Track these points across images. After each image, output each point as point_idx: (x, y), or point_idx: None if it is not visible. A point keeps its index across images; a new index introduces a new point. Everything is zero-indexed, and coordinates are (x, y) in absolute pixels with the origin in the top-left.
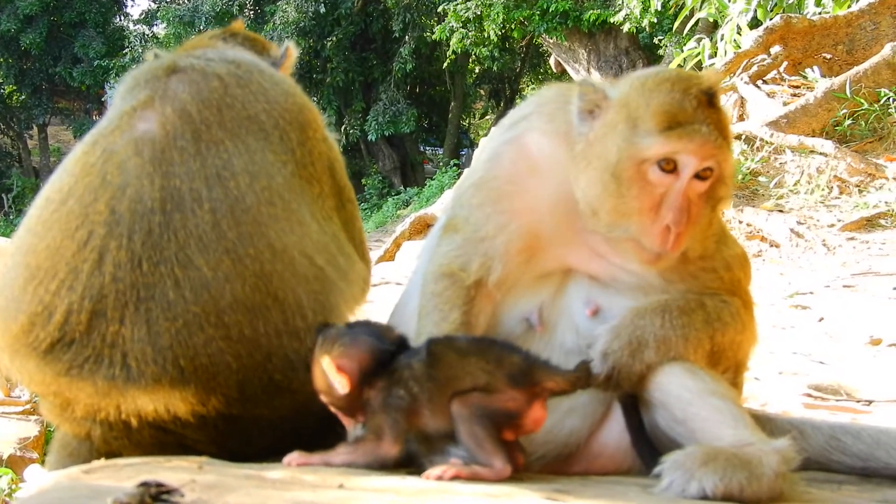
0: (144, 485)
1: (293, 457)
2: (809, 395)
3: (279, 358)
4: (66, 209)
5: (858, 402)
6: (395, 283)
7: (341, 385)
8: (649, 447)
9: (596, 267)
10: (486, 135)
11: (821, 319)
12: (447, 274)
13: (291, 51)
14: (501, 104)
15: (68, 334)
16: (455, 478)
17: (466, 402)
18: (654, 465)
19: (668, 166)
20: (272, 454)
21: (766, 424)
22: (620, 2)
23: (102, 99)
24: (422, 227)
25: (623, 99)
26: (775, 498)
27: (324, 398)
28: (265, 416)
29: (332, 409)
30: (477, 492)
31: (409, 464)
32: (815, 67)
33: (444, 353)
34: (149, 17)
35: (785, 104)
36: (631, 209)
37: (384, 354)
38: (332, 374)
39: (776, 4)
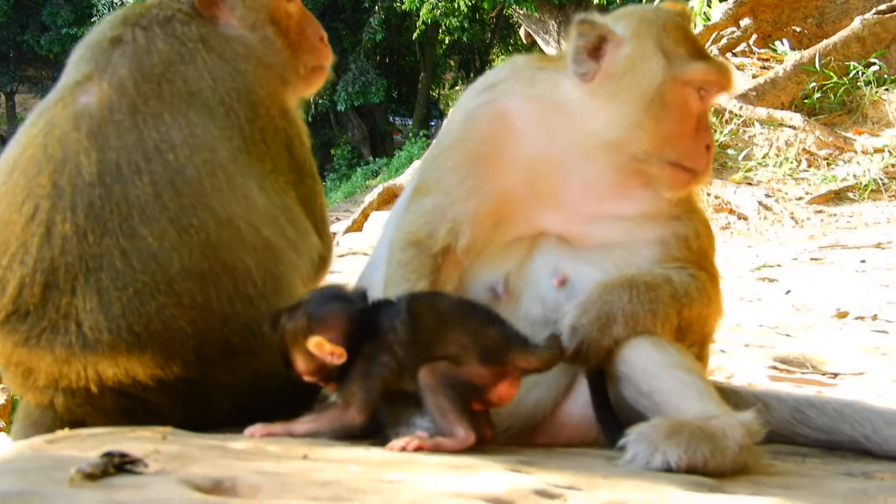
0: (108, 455)
1: (255, 428)
2: (775, 368)
3: (236, 322)
4: (13, 182)
5: (824, 374)
6: (363, 254)
7: (338, 356)
8: (613, 421)
9: (571, 226)
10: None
11: (788, 292)
12: (414, 242)
13: None
14: (471, 75)
15: (23, 306)
16: (418, 449)
17: (433, 372)
18: (618, 438)
19: (703, 90)
20: (236, 420)
21: (732, 397)
22: None
23: None
24: (390, 198)
25: (638, 30)
26: (739, 471)
27: (312, 378)
28: (225, 380)
29: (320, 383)
30: (441, 463)
31: (373, 435)
32: (785, 40)
33: (424, 314)
34: None
35: (754, 77)
36: (674, 132)
37: (361, 314)
38: (323, 352)
39: None
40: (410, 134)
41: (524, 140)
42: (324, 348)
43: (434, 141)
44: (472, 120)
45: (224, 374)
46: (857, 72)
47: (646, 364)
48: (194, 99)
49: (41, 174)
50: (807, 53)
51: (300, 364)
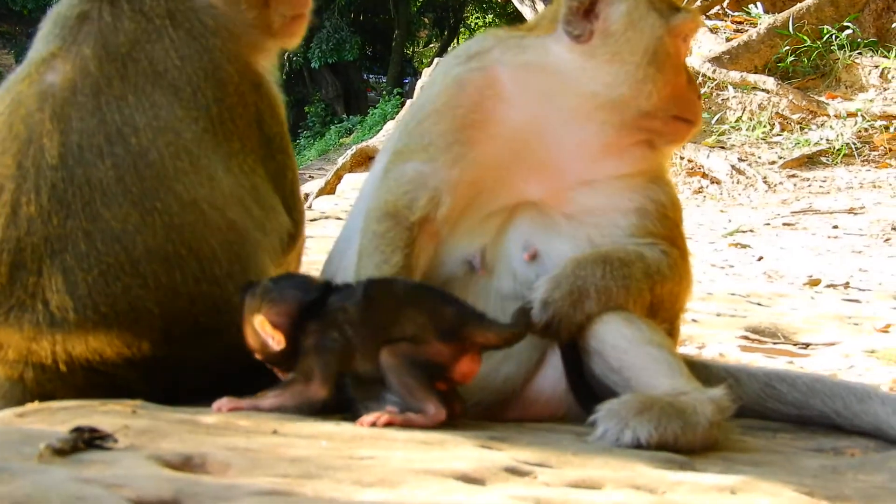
0: (78, 430)
1: (222, 402)
2: (746, 338)
3: (203, 303)
4: None
5: (795, 345)
6: (335, 218)
7: (276, 342)
8: (589, 393)
9: (554, 193)
10: (429, 63)
11: (760, 259)
12: (391, 213)
13: None
14: (445, 33)
15: None
16: (389, 424)
17: (394, 353)
18: (593, 408)
19: (685, 39)
20: (207, 395)
21: (702, 372)
22: None
23: None
24: (363, 160)
25: None
26: (710, 447)
27: (259, 356)
28: (195, 357)
29: (268, 365)
30: (411, 439)
31: (344, 410)
32: (759, 3)
33: (380, 298)
34: None
35: (728, 40)
36: (675, 85)
37: (311, 305)
38: (265, 333)
39: None
40: (384, 92)
41: (515, 107)
42: (265, 329)
43: (410, 105)
44: (461, 86)
45: (193, 351)
46: (831, 35)
47: (616, 339)
48: (160, 79)
49: (6, 154)
50: (780, 17)
51: (248, 336)
